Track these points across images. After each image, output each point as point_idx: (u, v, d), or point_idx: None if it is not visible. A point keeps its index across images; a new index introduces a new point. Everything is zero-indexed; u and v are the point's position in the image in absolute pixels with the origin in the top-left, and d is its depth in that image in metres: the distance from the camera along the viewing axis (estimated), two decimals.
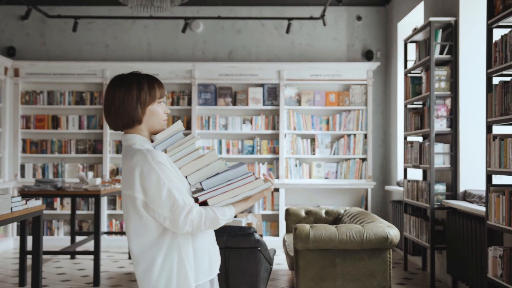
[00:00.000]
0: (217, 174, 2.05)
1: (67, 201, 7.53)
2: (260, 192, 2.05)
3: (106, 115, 2.07)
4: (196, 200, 2.02)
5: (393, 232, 4.21)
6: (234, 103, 7.63)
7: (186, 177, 2.05)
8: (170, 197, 1.94)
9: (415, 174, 6.50)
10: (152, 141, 2.10)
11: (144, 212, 1.99)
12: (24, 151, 7.63)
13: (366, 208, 7.45)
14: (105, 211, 7.51)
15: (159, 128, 2.09)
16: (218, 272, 2.15)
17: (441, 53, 5.24)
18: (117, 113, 2.03)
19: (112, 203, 7.60)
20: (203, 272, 2.06)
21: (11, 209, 3.73)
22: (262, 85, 7.64)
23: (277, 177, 7.54)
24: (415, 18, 6.73)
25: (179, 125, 2.10)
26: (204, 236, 2.09)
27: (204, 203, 2.03)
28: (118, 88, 2.03)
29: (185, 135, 2.12)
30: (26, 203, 3.94)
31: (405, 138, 6.01)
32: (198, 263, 2.05)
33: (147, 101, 2.04)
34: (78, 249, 6.94)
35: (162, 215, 1.95)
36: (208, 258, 2.09)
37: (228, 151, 7.59)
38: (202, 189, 2.05)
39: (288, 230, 5.89)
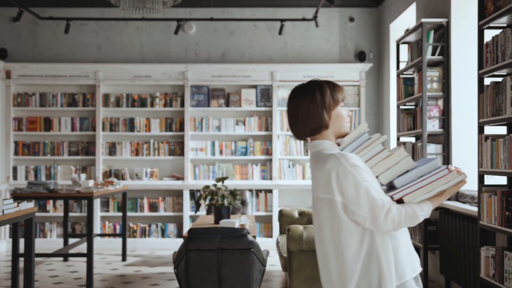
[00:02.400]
0: (407, 171, 2.05)
1: (60, 203, 7.50)
2: (455, 185, 2.05)
3: (292, 124, 2.15)
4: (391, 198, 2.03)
5: None
6: (227, 104, 7.63)
7: (376, 177, 2.08)
8: (368, 197, 1.97)
9: None
10: (338, 145, 2.13)
11: (344, 215, 2.01)
12: (16, 153, 7.60)
13: None
14: (98, 213, 7.49)
15: (345, 131, 2.14)
16: (421, 269, 2.13)
17: (433, 54, 5.26)
18: (304, 121, 2.10)
19: (105, 205, 7.57)
20: (406, 269, 2.05)
21: (3, 211, 3.71)
22: (255, 87, 7.64)
23: (270, 178, 7.54)
24: (407, 19, 6.75)
25: (364, 126, 2.13)
26: (402, 234, 2.09)
27: (398, 201, 2.04)
28: (302, 97, 2.10)
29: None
30: (18, 206, 3.93)
31: (398, 139, 6.03)
32: (400, 261, 2.04)
33: (331, 106, 2.10)
34: (71, 251, 6.91)
35: (362, 216, 1.98)
36: (409, 255, 2.08)
37: (221, 152, 7.59)
38: (391, 187, 2.06)
39: (281, 231, 5.89)
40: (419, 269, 2.10)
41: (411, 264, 2.07)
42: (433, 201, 2.05)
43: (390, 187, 2.08)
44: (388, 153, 2.07)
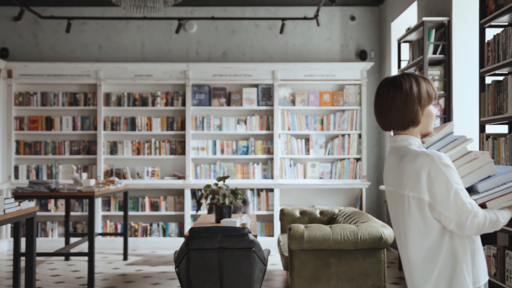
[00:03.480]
0: (489, 177, 2.03)
1: (61, 202, 7.51)
2: None
3: (381, 115, 2.08)
4: None
5: (387, 232, 4.22)
6: (228, 103, 7.63)
7: None
8: (457, 200, 1.93)
9: None
10: (422, 142, 2.11)
11: (429, 214, 1.98)
12: (18, 152, 7.60)
13: (360, 208, 7.45)
14: (99, 212, 7.49)
15: (430, 130, 2.10)
16: (488, 277, 2.10)
17: (434, 52, 5.26)
18: (397, 114, 2.04)
19: (106, 204, 7.58)
20: (481, 275, 2.03)
21: (4, 211, 3.71)
22: (256, 86, 7.64)
23: (272, 178, 7.54)
24: (408, 18, 6.75)
25: (451, 126, 2.10)
26: (478, 238, 2.06)
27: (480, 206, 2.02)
28: (398, 89, 2.04)
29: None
30: (19, 205, 3.93)
31: None
32: (477, 265, 2.02)
33: (426, 102, 2.06)
34: (72, 250, 6.92)
35: (448, 218, 1.95)
36: (483, 260, 2.06)
37: (222, 151, 7.59)
38: (468, 191, 2.04)
39: (282, 231, 5.89)
40: (487, 276, 2.08)
41: (484, 269, 2.06)
42: None
43: (468, 190, 2.06)
44: (474, 156, 2.05)
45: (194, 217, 7.46)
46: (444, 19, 5.21)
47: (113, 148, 7.61)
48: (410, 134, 2.07)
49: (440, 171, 1.94)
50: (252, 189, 7.51)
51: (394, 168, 2.08)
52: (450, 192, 1.93)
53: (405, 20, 6.85)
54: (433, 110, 2.09)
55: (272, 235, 7.49)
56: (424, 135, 2.11)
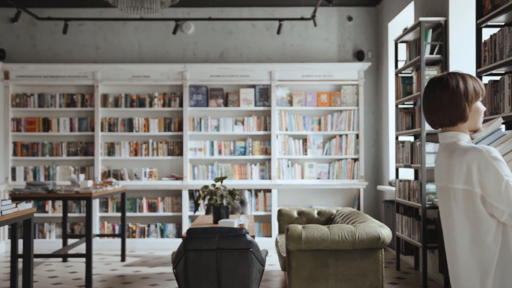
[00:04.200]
0: None
1: (59, 203, 7.50)
2: None
3: (430, 114, 2.15)
4: None
5: (385, 232, 4.22)
6: (226, 104, 7.63)
7: None
8: (508, 191, 1.97)
9: (407, 173, 6.51)
10: (472, 138, 2.15)
11: (482, 207, 2.01)
12: (15, 154, 7.59)
13: (358, 208, 7.46)
14: (97, 213, 7.49)
15: (479, 126, 2.15)
16: None
17: (431, 53, 5.26)
18: (445, 112, 2.10)
19: (104, 205, 7.57)
20: None
21: (1, 212, 3.71)
22: (253, 86, 7.64)
23: (269, 178, 7.54)
24: (405, 18, 6.76)
25: (499, 122, 2.14)
26: None
27: None
28: (445, 88, 2.10)
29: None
30: (16, 206, 3.93)
31: (397, 138, 6.03)
32: None
33: (473, 99, 2.10)
34: (70, 252, 6.91)
35: (500, 209, 1.98)
36: None
37: (220, 152, 7.59)
38: None
39: (280, 231, 5.89)
40: None
41: None
42: None
43: None
44: None
45: (192, 218, 7.46)
46: (441, 19, 5.21)
47: (111, 149, 7.60)
48: (459, 131, 2.13)
49: (490, 164, 1.98)
50: (249, 190, 7.51)
51: (444, 164, 2.12)
52: (501, 185, 1.97)
53: (402, 20, 6.86)
54: (481, 106, 2.13)
55: (270, 236, 7.49)
56: (473, 131, 2.16)
